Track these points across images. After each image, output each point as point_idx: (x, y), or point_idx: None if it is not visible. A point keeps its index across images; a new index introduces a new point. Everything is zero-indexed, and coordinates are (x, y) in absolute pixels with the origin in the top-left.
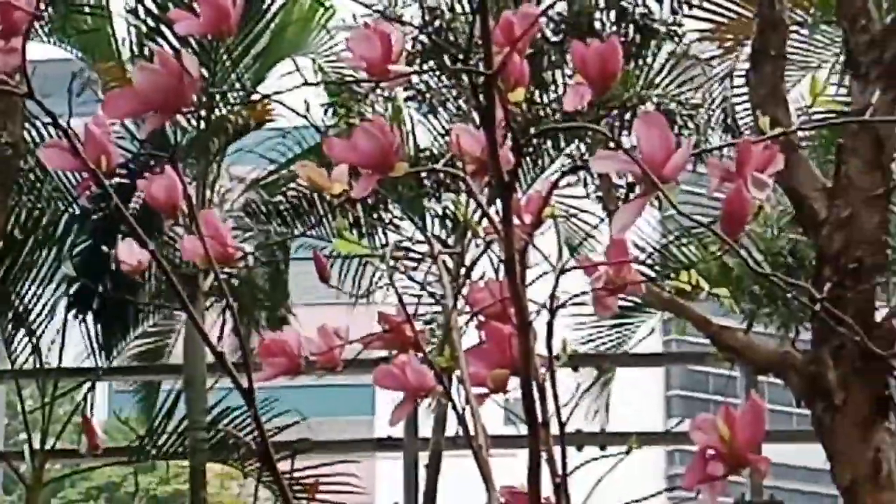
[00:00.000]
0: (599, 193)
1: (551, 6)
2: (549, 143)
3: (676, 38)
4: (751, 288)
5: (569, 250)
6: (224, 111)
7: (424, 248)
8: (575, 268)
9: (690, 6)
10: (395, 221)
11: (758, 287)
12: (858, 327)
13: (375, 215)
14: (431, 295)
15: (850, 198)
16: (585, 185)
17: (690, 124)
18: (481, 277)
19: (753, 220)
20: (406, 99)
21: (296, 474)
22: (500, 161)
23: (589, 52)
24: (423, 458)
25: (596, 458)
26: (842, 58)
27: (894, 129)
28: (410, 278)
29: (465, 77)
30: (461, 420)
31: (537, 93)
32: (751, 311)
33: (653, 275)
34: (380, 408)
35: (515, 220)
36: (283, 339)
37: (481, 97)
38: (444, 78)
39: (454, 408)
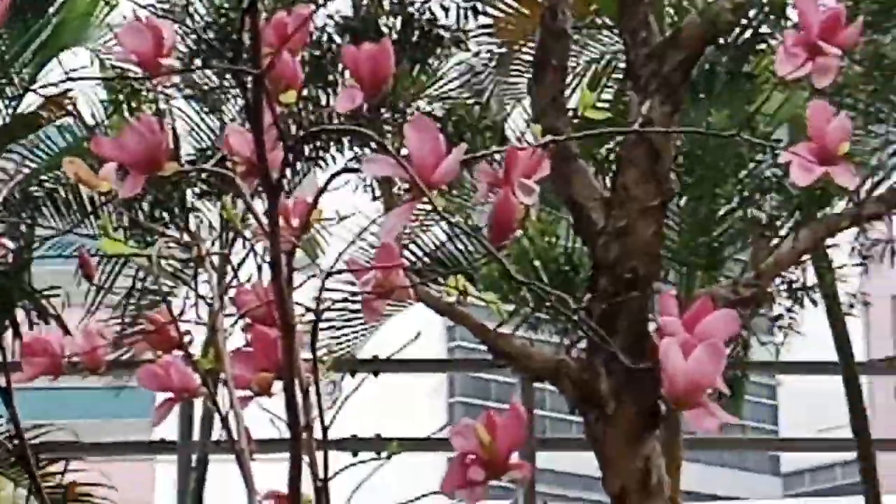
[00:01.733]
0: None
1: (319, 6)
2: (331, 145)
3: (461, 45)
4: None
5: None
6: (2, 105)
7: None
8: (343, 271)
9: (476, 13)
10: (171, 221)
11: (533, 294)
12: (632, 337)
13: (152, 214)
14: (199, 296)
15: (627, 208)
16: (369, 187)
17: (470, 131)
18: (248, 280)
19: (523, 227)
20: (186, 97)
21: (66, 477)
22: (267, 162)
23: (360, 55)
24: None
25: (354, 464)
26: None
27: (670, 141)
28: (179, 279)
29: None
30: (224, 423)
31: (323, 94)
32: (528, 317)
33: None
34: None
35: (284, 223)
36: (45, 338)
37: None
38: (226, 76)
39: (218, 411)
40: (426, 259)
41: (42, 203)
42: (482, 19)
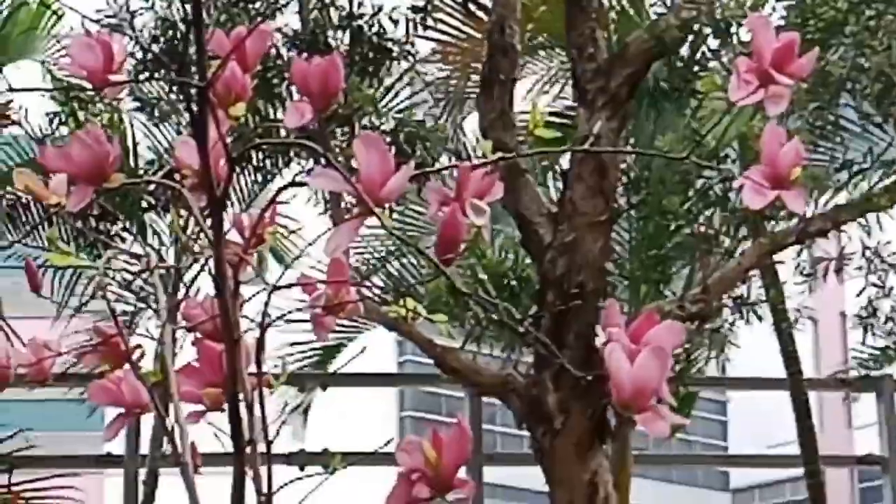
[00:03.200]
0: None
1: (265, 19)
2: (279, 158)
3: (410, 58)
4: (474, 309)
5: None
6: None
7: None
8: (291, 286)
9: (425, 27)
10: (123, 234)
11: (480, 309)
12: (579, 351)
13: (101, 226)
14: (153, 310)
15: (574, 223)
16: (318, 200)
17: (421, 146)
18: (197, 293)
19: (473, 243)
20: (135, 109)
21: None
22: (213, 175)
23: (310, 69)
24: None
25: (300, 478)
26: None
27: (617, 157)
28: (130, 291)
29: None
30: (170, 437)
31: (270, 108)
32: (475, 332)
33: (380, 294)
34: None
35: (236, 237)
36: None
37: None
38: (174, 89)
39: (164, 425)
40: (374, 274)
41: None
42: (433, 33)
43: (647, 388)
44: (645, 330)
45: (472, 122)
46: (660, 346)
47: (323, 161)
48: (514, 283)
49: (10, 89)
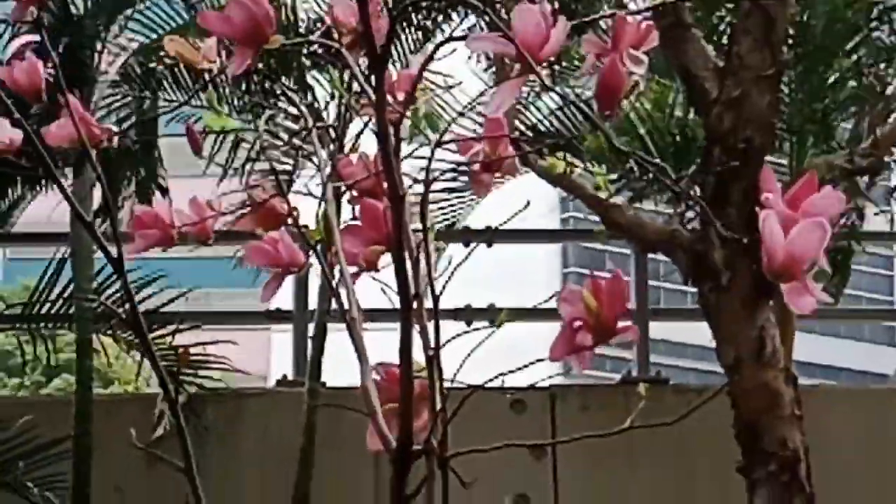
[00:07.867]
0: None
1: None
2: (439, 15)
3: None
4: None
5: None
6: None
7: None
8: (450, 141)
9: None
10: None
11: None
12: (746, 207)
13: (264, 85)
14: (315, 166)
15: (741, 77)
16: (480, 58)
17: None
18: (352, 150)
19: (631, 96)
20: None
21: (180, 342)
22: (372, 33)
23: None
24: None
25: (466, 332)
26: None
27: (785, 9)
28: (286, 152)
29: None
30: (335, 293)
31: None
32: (637, 188)
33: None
34: None
35: (391, 93)
36: (155, 210)
37: None
38: None
39: (329, 283)
40: (534, 129)
41: (162, 77)
42: None
43: (799, 260)
44: (804, 195)
45: None
46: (819, 220)
47: (484, 18)
48: (680, 139)
49: None
